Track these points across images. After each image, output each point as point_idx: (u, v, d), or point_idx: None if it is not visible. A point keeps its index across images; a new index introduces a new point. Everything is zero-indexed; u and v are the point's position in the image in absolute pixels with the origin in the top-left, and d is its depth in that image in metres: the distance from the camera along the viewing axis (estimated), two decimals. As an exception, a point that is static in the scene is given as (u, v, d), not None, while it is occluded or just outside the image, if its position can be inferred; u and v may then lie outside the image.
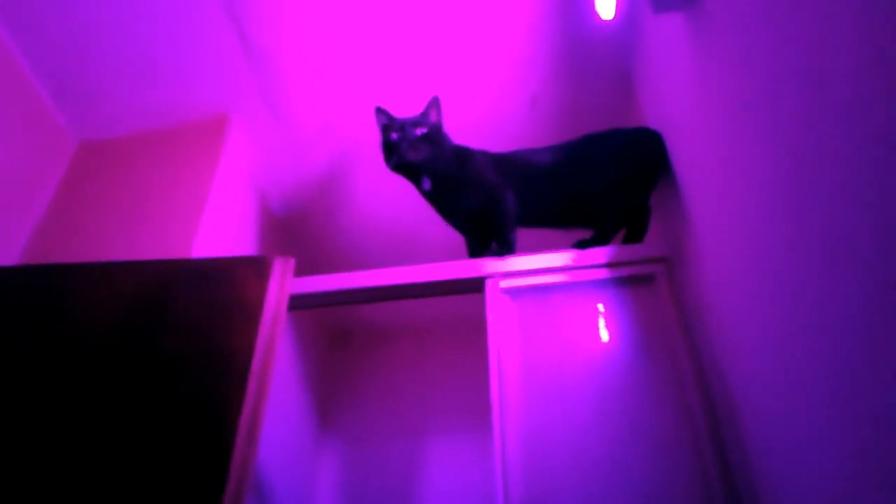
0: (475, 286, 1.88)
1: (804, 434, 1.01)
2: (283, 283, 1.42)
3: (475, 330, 2.01)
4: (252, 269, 1.42)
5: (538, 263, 1.85)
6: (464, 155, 1.99)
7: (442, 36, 2.13)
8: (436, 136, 1.95)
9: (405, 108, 2.04)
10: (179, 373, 1.29)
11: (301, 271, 1.84)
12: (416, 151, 1.91)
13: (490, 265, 1.88)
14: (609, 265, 1.81)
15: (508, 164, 1.98)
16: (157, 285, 1.42)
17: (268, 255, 1.52)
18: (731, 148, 1.26)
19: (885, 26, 0.68)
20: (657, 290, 1.76)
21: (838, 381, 0.86)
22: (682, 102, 1.62)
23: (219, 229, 2.08)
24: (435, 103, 1.99)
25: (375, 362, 2.96)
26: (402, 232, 2.63)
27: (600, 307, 1.78)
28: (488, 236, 1.96)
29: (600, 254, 1.84)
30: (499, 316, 1.79)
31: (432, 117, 1.98)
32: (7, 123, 2.03)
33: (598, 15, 1.91)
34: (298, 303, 1.96)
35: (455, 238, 2.07)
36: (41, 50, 2.08)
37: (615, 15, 1.91)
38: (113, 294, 1.42)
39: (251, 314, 1.32)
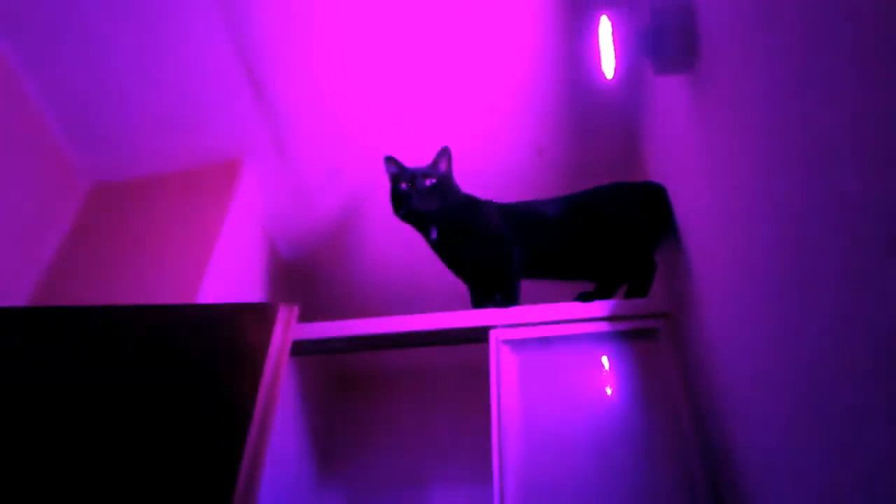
0: (478, 336, 1.89)
1: (807, 496, 1.01)
2: (286, 331, 1.43)
3: (478, 377, 2.01)
4: (257, 317, 1.44)
5: (540, 315, 1.86)
6: (471, 205, 2.01)
7: (450, 85, 2.17)
8: (445, 186, 1.97)
9: (413, 155, 2.07)
10: (180, 418, 1.30)
11: (307, 315, 1.86)
12: (424, 202, 1.93)
13: (493, 315, 1.89)
14: (611, 318, 1.82)
15: (515, 215, 2.00)
16: (162, 331, 1.43)
17: (273, 303, 1.54)
18: (730, 205, 1.28)
19: (877, 93, 0.71)
20: (659, 345, 1.77)
21: (845, 440, 0.86)
22: (684, 160, 1.65)
23: (227, 272, 2.10)
24: (445, 153, 2.02)
25: (378, 408, 2.95)
26: (408, 279, 2.65)
27: (602, 360, 1.78)
28: (492, 286, 1.97)
29: (603, 307, 1.84)
30: (501, 366, 1.79)
31: (442, 167, 2.01)
32: (20, 164, 2.06)
33: (603, 73, 1.96)
34: (303, 349, 1.97)
35: (461, 287, 2.08)
36: (57, 94, 2.12)
37: (618, 74, 1.96)
38: (116, 339, 1.43)
39: (255, 362, 1.33)
